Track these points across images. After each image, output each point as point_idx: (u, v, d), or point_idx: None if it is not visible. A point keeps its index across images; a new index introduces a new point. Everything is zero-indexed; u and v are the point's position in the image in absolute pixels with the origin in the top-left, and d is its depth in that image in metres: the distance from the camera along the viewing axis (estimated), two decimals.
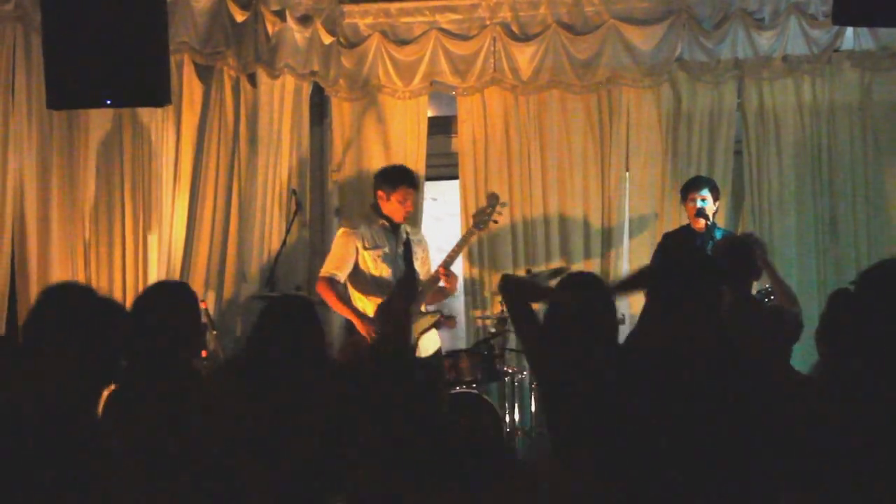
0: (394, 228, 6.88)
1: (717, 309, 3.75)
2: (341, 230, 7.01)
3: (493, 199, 7.12)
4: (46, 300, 3.03)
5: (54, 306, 2.97)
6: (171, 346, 3.64)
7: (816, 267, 7.71)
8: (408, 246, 6.90)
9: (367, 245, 6.82)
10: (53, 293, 3.09)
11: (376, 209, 6.87)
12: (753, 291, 5.91)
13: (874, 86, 7.77)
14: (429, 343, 6.78)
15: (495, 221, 7.16)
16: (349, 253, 6.84)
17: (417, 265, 6.81)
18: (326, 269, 6.85)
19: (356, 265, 6.80)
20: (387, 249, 6.81)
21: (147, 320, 3.62)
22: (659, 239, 7.54)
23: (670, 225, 7.72)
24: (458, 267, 8.09)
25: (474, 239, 7.57)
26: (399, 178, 6.88)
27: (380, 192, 6.85)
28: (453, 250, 6.88)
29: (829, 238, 7.76)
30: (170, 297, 3.84)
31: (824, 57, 7.75)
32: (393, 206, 6.80)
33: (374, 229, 6.87)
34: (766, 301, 6.23)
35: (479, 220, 7.07)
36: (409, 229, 7.02)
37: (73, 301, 3.00)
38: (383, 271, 6.77)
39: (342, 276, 6.79)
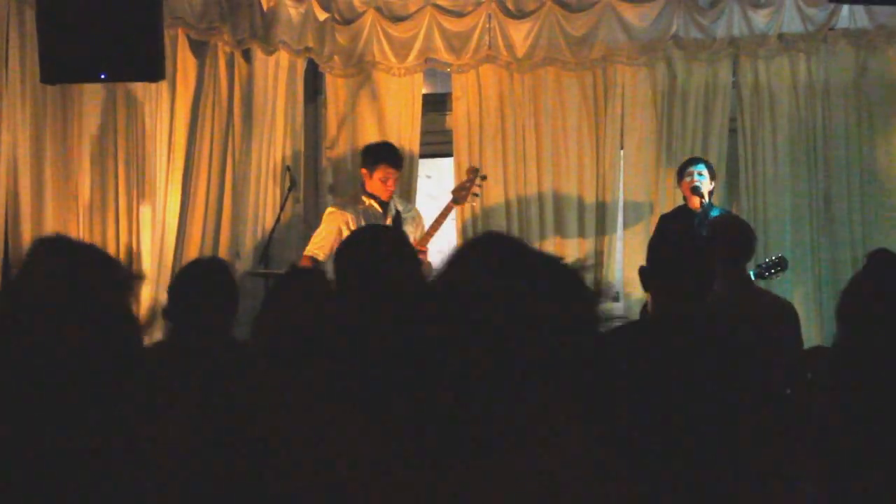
0: (383, 207, 6.93)
1: (709, 288, 3.76)
2: (328, 209, 7.13)
3: (472, 173, 7.18)
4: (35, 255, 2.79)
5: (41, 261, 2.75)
6: (213, 321, 3.67)
7: (811, 244, 7.72)
8: (397, 224, 6.93)
9: (351, 226, 6.85)
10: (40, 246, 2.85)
11: (363, 188, 6.97)
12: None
13: (869, 64, 7.76)
14: None
15: (476, 195, 7.22)
16: (331, 233, 6.92)
17: None
18: (309, 249, 6.99)
19: None
20: None
21: (187, 297, 3.69)
22: (654, 217, 7.58)
23: (665, 203, 7.72)
24: (451, 244, 8.10)
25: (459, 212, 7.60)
26: (379, 156, 6.99)
27: (363, 170, 7.03)
28: (431, 227, 6.94)
29: (823, 215, 7.76)
30: (208, 273, 3.89)
31: (820, 35, 7.74)
32: (375, 185, 6.91)
33: (361, 209, 6.93)
34: (770, 274, 6.28)
35: (458, 194, 7.11)
36: (399, 206, 7.06)
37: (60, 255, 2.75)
38: None
39: (322, 256, 6.84)
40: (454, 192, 7.21)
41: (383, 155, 7.01)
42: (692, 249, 3.78)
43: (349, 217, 6.93)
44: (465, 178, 7.26)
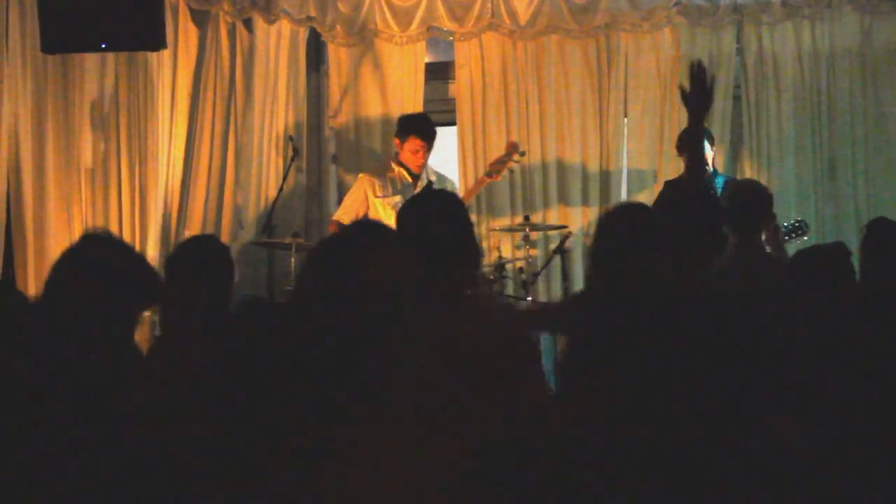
0: (413, 177, 6.96)
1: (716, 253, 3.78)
2: (360, 175, 7.17)
3: (511, 147, 7.27)
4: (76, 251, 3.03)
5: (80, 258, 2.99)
6: (207, 298, 3.67)
7: (815, 211, 7.69)
8: None
9: (377, 193, 6.94)
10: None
11: (396, 157, 7.01)
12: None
13: (874, 30, 7.71)
14: None
15: (511, 170, 7.34)
16: (358, 199, 7.02)
17: None
18: (337, 214, 7.11)
19: (370, 213, 6.88)
20: (399, 199, 6.84)
21: (182, 274, 3.68)
22: (658, 185, 7.57)
23: (669, 171, 7.70)
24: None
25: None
26: (410, 128, 7.02)
27: (395, 140, 7.06)
28: (463, 199, 6.91)
29: (828, 182, 7.73)
30: (204, 250, 3.88)
31: (824, 1, 7.69)
32: (406, 155, 6.98)
33: (391, 177, 6.97)
34: (791, 238, 6.25)
35: (494, 168, 7.20)
36: (433, 177, 7.13)
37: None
38: (391, 221, 6.77)
39: (347, 221, 6.85)
40: (491, 165, 7.27)
41: (414, 127, 7.03)
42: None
43: (376, 183, 7.00)
44: (503, 152, 7.31)
